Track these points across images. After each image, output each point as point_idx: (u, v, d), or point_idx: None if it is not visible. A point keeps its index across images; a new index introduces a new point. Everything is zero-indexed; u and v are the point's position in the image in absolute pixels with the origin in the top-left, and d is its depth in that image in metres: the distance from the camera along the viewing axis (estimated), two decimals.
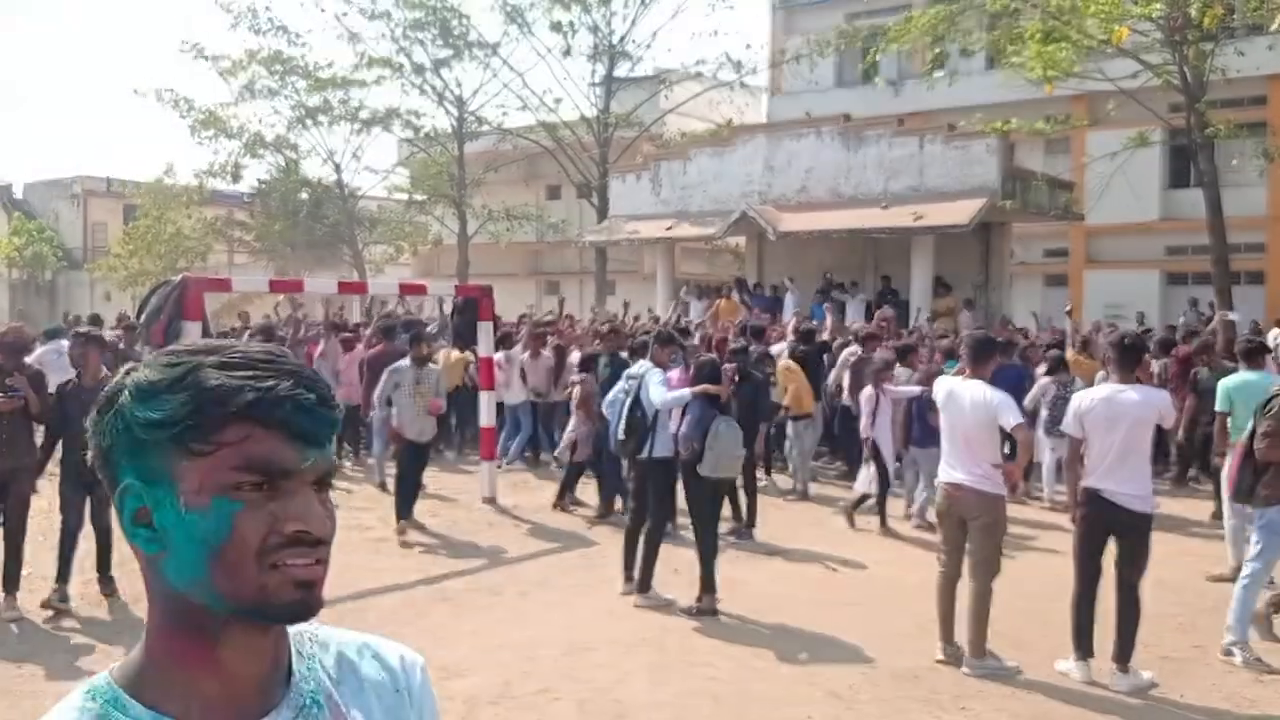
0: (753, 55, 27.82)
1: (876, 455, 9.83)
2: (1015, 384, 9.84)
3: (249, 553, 0.99)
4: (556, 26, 27.03)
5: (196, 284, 8.87)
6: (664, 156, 22.84)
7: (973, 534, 6.07)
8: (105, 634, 6.61)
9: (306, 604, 1.02)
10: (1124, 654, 5.81)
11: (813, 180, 19.96)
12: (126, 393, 1.02)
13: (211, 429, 0.99)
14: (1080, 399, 6.04)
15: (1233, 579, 7.65)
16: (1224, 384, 7.87)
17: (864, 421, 9.96)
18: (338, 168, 32.07)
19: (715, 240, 22.96)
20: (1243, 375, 7.87)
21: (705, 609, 7.07)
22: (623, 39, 27.94)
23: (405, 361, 9.84)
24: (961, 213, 17.66)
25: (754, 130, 22.42)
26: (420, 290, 14.20)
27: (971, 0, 17.97)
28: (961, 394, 6.10)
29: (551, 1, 26.91)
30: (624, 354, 10.42)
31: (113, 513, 7.54)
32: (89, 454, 1.05)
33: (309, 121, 30.55)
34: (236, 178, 31.32)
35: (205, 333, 9.09)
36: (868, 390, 9.90)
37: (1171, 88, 16.59)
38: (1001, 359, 10.77)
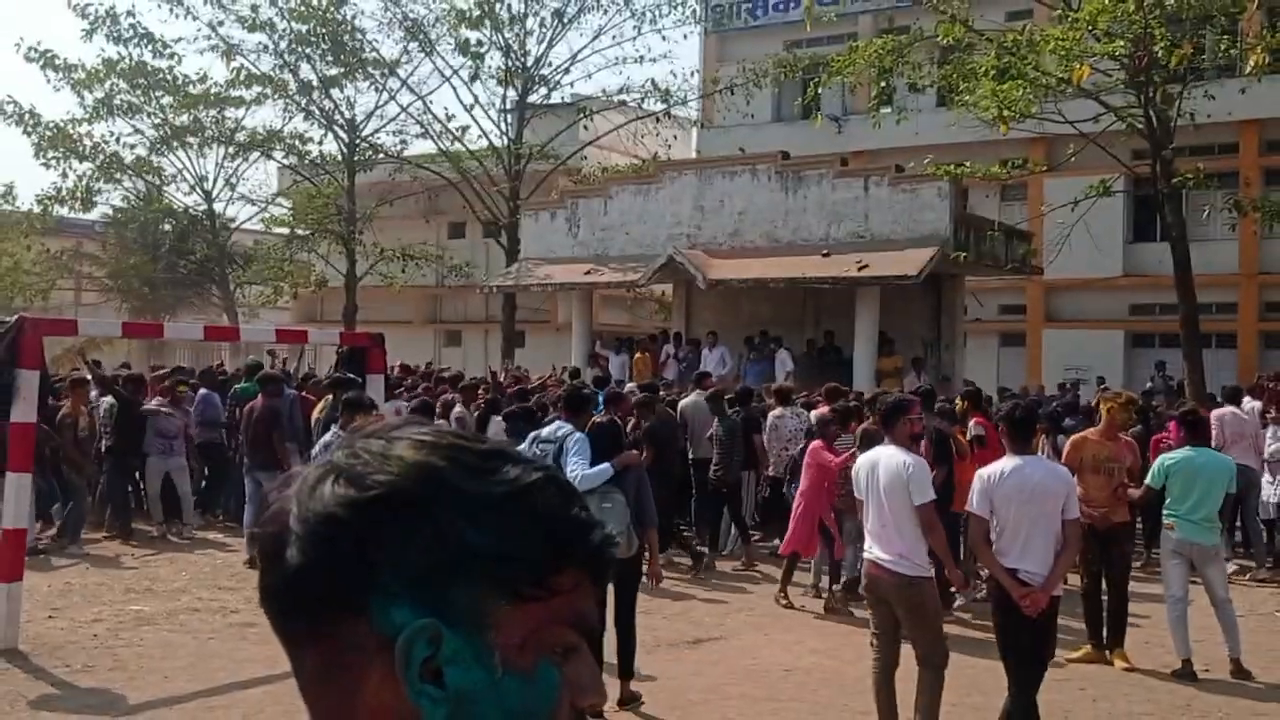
0: (681, 84, 28.17)
1: None
2: None
3: None
4: (464, 47, 27.17)
5: (35, 326, 8.65)
6: (582, 193, 23.02)
7: (903, 622, 6.19)
8: None
9: None
10: None
11: (746, 223, 20.27)
12: (442, 502, 0.87)
13: (551, 570, 0.88)
14: (988, 474, 6.18)
15: (1187, 674, 7.83)
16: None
17: None
18: (208, 196, 31.73)
19: (638, 288, 23.14)
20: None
21: (627, 699, 7.00)
22: (538, 61, 28.26)
23: (331, 434, 9.68)
24: (910, 263, 18.02)
25: (682, 166, 22.74)
26: (300, 338, 14.06)
27: (921, 32, 18.52)
28: (881, 463, 6.27)
29: (457, 19, 27.09)
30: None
31: None
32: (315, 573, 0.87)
33: (175, 143, 30.20)
34: (88, 204, 30.69)
35: (44, 383, 8.86)
36: None
37: (1136, 133, 17.25)
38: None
